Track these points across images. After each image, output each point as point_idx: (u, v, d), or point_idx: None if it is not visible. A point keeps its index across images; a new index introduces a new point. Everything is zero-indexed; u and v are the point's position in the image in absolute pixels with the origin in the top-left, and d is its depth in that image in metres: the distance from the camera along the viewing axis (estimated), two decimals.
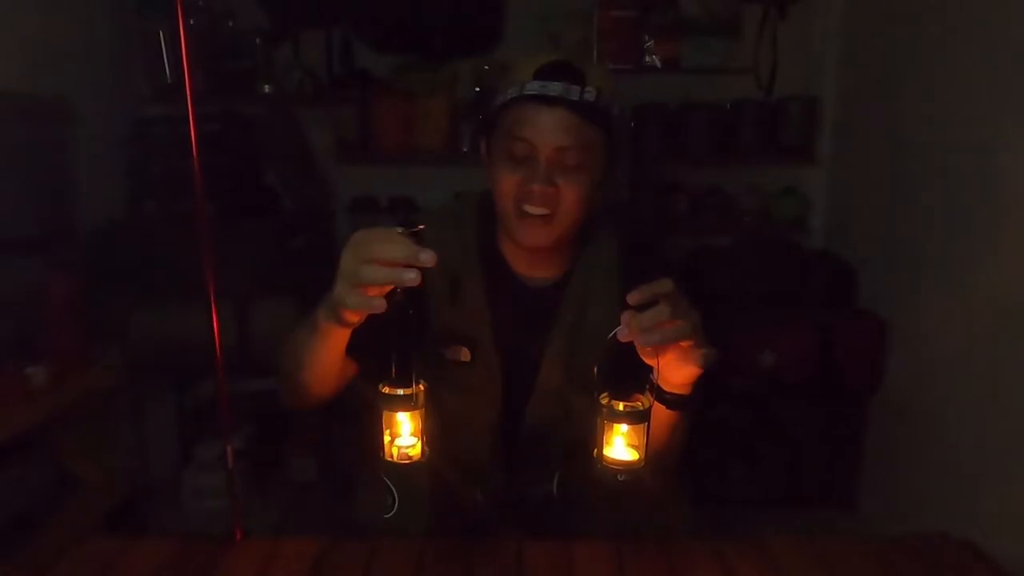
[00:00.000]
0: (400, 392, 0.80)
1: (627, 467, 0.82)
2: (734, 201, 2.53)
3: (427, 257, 0.73)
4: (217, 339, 0.92)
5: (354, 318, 0.82)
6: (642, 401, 0.82)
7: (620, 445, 0.83)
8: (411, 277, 0.73)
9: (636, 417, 0.82)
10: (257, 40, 2.36)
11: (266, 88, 2.37)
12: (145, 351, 2.01)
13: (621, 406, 0.82)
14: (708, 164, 2.51)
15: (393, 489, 0.83)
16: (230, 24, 2.36)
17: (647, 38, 2.41)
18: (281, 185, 2.44)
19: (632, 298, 0.79)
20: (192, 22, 2.23)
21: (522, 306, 1.09)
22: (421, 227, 0.77)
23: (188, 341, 1.66)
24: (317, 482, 2.35)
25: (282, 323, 2.12)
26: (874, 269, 2.19)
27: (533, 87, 0.95)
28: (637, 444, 0.83)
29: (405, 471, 0.82)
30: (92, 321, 1.78)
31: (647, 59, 2.42)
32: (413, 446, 0.82)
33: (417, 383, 0.80)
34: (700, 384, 0.90)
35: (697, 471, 2.24)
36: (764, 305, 2.26)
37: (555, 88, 0.94)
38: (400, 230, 0.75)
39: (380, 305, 0.75)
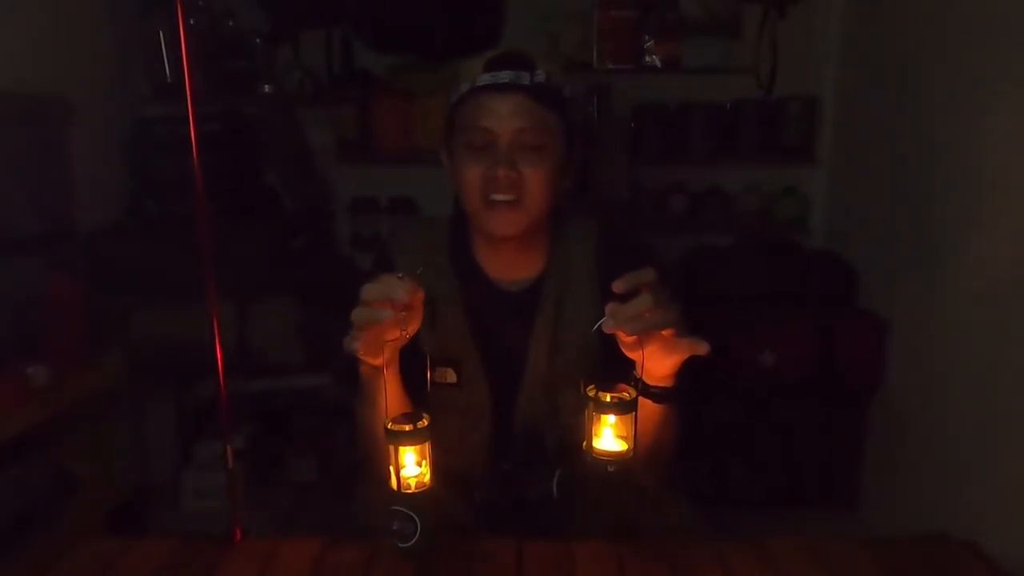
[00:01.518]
0: (407, 428, 0.83)
1: (616, 458, 0.83)
2: (734, 201, 2.53)
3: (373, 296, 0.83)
4: (217, 339, 0.92)
5: (356, 347, 0.86)
6: (628, 391, 0.83)
7: (608, 436, 0.84)
8: (380, 316, 0.82)
9: (623, 407, 0.82)
10: (257, 40, 2.36)
11: (266, 88, 2.36)
12: (145, 351, 2.01)
13: (608, 397, 0.83)
14: (708, 164, 2.51)
15: (416, 518, 0.85)
16: (230, 24, 2.36)
17: (647, 38, 2.40)
18: (281, 185, 2.44)
19: (617, 286, 0.80)
20: (192, 22, 2.23)
21: (502, 313, 1.09)
22: (419, 271, 0.87)
23: (188, 341, 1.66)
24: (317, 482, 2.34)
25: (282, 323, 2.15)
26: (874, 269, 2.18)
27: (484, 79, 1.00)
28: (625, 435, 0.84)
29: (418, 499, 0.85)
30: (92, 321, 1.78)
31: (647, 59, 2.42)
32: (421, 474, 0.85)
33: (422, 418, 0.84)
34: (684, 376, 0.91)
35: (697, 471, 2.24)
36: (764, 305, 2.26)
37: (506, 75, 0.99)
38: (400, 276, 0.84)
39: (355, 349, 0.84)
